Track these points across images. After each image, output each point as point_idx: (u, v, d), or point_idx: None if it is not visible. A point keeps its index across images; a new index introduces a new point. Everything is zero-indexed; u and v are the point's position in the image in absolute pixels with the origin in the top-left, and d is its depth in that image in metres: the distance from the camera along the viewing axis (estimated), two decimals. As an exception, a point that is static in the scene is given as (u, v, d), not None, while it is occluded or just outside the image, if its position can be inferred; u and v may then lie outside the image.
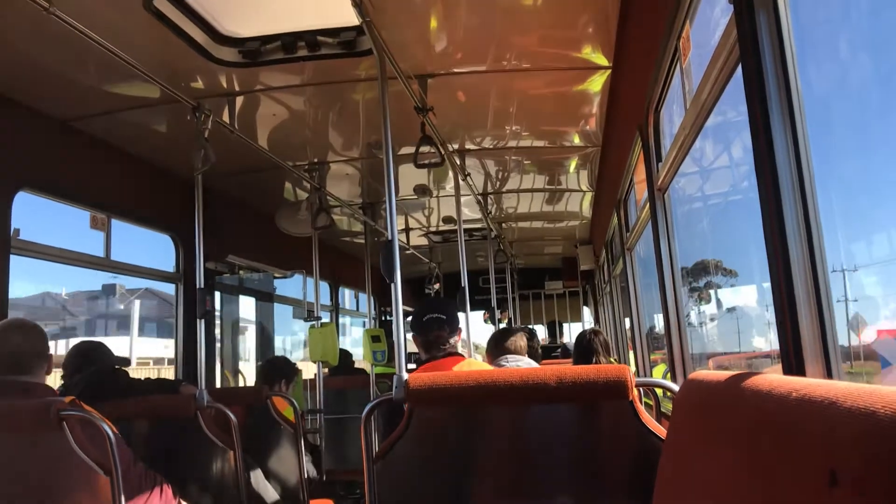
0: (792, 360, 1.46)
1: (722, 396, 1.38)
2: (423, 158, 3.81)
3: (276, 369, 5.04)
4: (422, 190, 6.03)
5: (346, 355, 6.71)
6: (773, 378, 1.13)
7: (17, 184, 3.63)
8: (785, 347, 1.49)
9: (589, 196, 6.72)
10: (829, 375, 1.42)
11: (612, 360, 5.32)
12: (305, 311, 5.73)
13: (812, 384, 0.91)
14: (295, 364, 5.27)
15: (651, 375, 5.02)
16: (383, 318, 10.35)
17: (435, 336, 3.29)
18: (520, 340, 4.22)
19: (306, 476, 4.30)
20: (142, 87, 3.65)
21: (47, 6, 2.61)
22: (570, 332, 12.03)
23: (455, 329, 3.36)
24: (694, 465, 1.52)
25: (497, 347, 4.18)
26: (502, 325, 7.75)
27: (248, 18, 3.27)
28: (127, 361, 3.87)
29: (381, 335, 5.62)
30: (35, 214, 3.84)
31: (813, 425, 0.83)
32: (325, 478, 5.02)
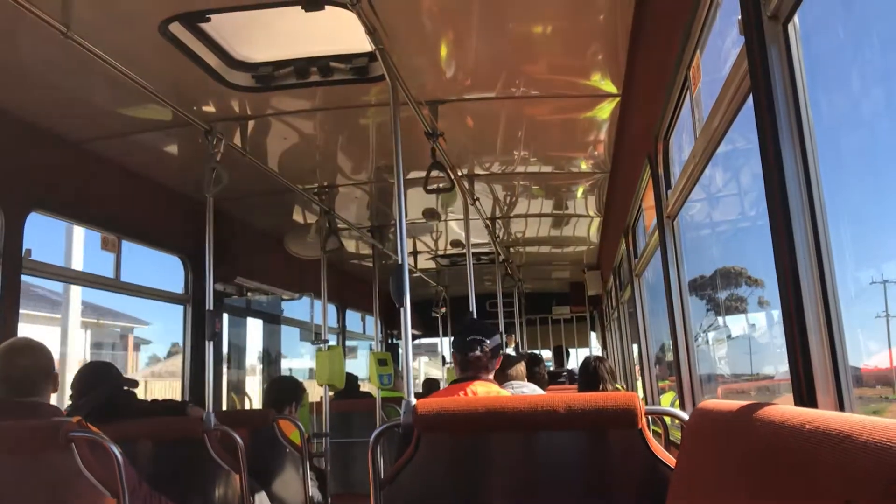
0: (803, 389, 1.46)
1: (733, 426, 1.37)
2: (432, 183, 3.84)
3: (285, 391, 5.02)
4: (430, 214, 6.06)
5: (352, 379, 6.69)
6: (786, 409, 1.12)
7: (31, 205, 3.66)
8: (796, 376, 1.48)
9: (597, 221, 6.73)
10: (841, 405, 1.41)
11: (618, 386, 5.30)
12: (313, 334, 5.72)
13: (826, 416, 0.91)
14: (302, 383, 5.26)
15: (659, 403, 4.99)
16: (389, 342, 10.33)
17: (474, 357, 3.31)
18: (520, 367, 4.25)
19: (311, 500, 4.28)
20: (155, 110, 3.69)
21: (65, 30, 2.65)
22: (577, 358, 11.97)
23: (496, 354, 3.37)
24: (705, 494, 1.51)
25: (497, 374, 4.19)
26: (509, 350, 7.72)
27: (262, 44, 3.31)
28: (135, 383, 3.87)
29: (387, 359, 5.60)
30: (47, 235, 3.87)
31: (828, 457, 0.83)
32: (330, 502, 4.99)
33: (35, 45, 3.03)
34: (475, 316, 4.59)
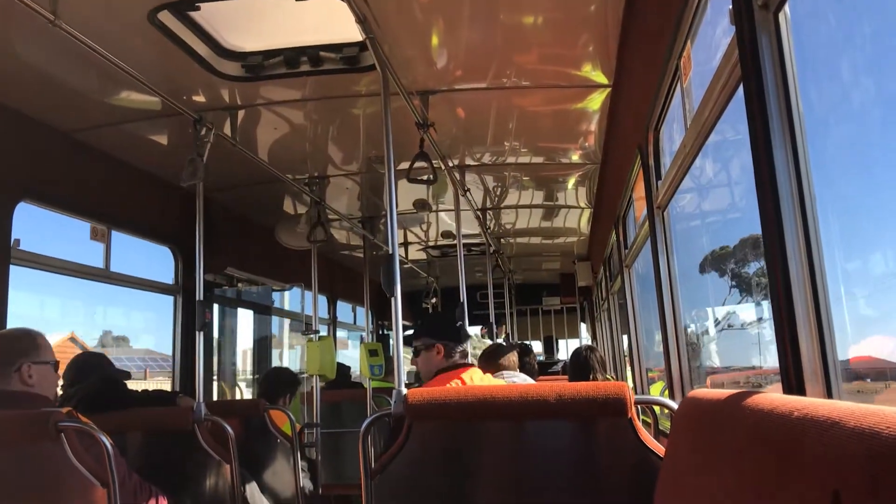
0: (792, 379, 1.47)
1: (722, 415, 1.38)
2: (417, 174, 3.83)
3: (282, 383, 5.01)
4: (421, 205, 6.05)
5: (343, 369, 6.69)
6: (775, 397, 1.13)
7: (19, 194, 3.63)
8: (784, 365, 1.49)
9: (587, 213, 6.74)
10: (829, 394, 1.42)
11: (608, 376, 5.33)
12: (303, 325, 5.72)
13: (814, 403, 0.92)
14: (297, 375, 5.25)
15: (648, 393, 5.02)
16: (380, 332, 10.34)
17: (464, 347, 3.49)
18: (512, 356, 4.27)
19: (302, 490, 4.28)
20: (144, 99, 3.66)
21: (53, 18, 2.63)
22: (567, 348, 12.01)
23: None
24: (693, 483, 1.52)
25: (489, 363, 4.21)
26: (499, 340, 7.74)
27: (252, 33, 3.29)
28: (127, 374, 3.85)
29: (378, 349, 5.60)
30: (36, 225, 3.84)
31: (816, 445, 0.84)
32: (321, 492, 5.00)
33: (22, 32, 3.00)
34: (465, 307, 4.59)
